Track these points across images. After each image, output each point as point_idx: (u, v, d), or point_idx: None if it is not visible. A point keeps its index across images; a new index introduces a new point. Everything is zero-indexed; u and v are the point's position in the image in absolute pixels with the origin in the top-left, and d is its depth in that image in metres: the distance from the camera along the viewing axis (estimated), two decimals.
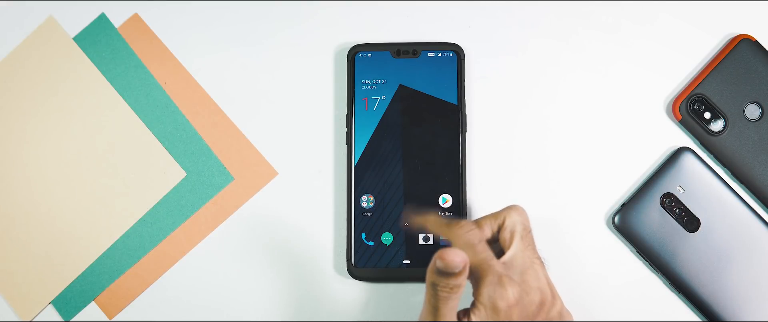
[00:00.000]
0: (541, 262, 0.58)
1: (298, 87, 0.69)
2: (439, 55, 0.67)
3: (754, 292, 0.64)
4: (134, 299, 0.67)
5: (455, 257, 0.54)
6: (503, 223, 0.58)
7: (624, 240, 0.66)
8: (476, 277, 0.56)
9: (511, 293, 0.55)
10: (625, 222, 0.65)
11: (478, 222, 0.59)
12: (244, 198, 0.68)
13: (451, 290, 0.55)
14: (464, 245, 0.56)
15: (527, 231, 0.58)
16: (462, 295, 0.56)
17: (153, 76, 0.69)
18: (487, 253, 0.56)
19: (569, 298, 0.66)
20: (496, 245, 0.59)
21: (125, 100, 0.69)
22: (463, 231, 0.57)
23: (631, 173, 0.67)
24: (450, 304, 0.55)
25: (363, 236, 0.66)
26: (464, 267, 0.54)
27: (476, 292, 0.56)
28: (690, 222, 0.65)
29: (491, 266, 0.55)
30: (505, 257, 0.57)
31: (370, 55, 0.67)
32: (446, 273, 0.54)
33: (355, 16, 0.69)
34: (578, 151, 0.67)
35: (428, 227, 0.60)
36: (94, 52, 0.69)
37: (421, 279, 0.66)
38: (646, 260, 0.65)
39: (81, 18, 0.69)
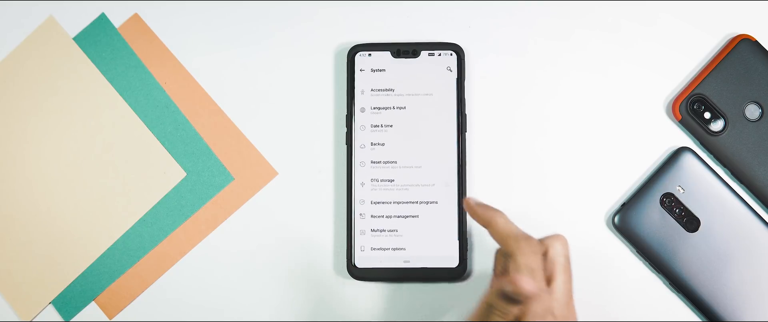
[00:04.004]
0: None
1: (298, 87, 0.69)
2: (439, 55, 0.67)
3: (754, 292, 0.64)
4: (134, 299, 0.67)
5: (528, 285, 0.52)
6: (546, 252, 0.56)
7: (624, 240, 0.66)
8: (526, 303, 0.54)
9: None
10: (625, 222, 0.65)
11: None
12: (244, 198, 0.68)
13: (504, 316, 0.53)
14: (525, 266, 0.54)
15: (569, 263, 0.56)
16: None
17: (153, 76, 0.69)
18: (543, 282, 0.54)
19: None
20: None
21: (125, 100, 0.69)
22: (531, 250, 0.54)
23: (631, 173, 0.67)
24: None
25: (363, 235, 0.66)
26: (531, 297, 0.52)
27: (522, 317, 0.54)
28: (690, 222, 0.65)
29: (541, 297, 0.53)
30: (550, 289, 0.55)
31: (370, 55, 0.67)
32: (511, 299, 0.52)
33: (355, 16, 0.69)
34: (578, 151, 0.67)
35: (494, 227, 0.56)
36: (94, 52, 0.69)
37: (421, 279, 0.66)
38: (646, 260, 0.65)
39: (81, 18, 0.69)
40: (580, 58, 0.68)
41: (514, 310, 0.53)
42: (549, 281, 0.55)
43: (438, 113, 0.67)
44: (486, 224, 0.57)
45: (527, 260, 0.54)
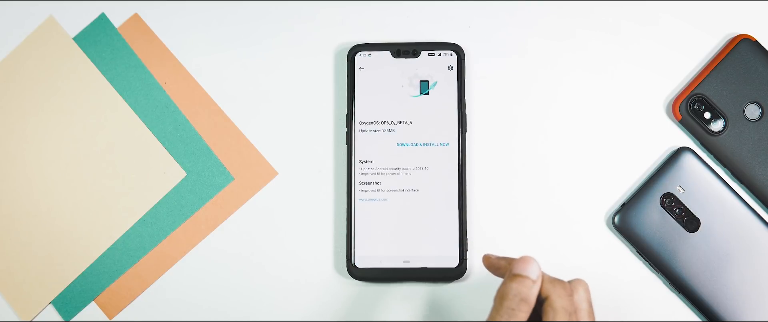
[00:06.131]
0: None
1: (298, 87, 0.69)
2: (439, 55, 0.67)
3: (754, 292, 0.64)
4: (134, 299, 0.67)
5: (532, 263, 0.55)
6: (571, 296, 0.56)
7: (624, 240, 0.66)
8: None
9: None
10: (625, 222, 0.65)
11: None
12: (244, 198, 0.68)
13: (520, 302, 0.54)
14: (562, 308, 0.55)
15: (592, 308, 0.57)
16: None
17: (153, 76, 0.69)
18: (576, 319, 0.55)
19: None
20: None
21: (125, 100, 0.69)
22: (565, 292, 0.55)
23: (631, 173, 0.67)
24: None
25: (363, 236, 0.66)
26: (538, 279, 0.54)
27: None
28: (690, 222, 0.65)
29: None
30: None
31: (370, 55, 0.67)
32: (521, 277, 0.54)
33: (355, 16, 0.69)
34: (578, 151, 0.67)
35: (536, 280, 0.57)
36: (94, 52, 0.69)
37: (421, 279, 0.66)
38: (646, 260, 0.65)
39: (81, 18, 0.69)
40: (580, 58, 0.68)
41: (526, 290, 0.54)
42: None
43: (438, 113, 0.67)
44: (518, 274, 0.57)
45: (563, 303, 0.55)
